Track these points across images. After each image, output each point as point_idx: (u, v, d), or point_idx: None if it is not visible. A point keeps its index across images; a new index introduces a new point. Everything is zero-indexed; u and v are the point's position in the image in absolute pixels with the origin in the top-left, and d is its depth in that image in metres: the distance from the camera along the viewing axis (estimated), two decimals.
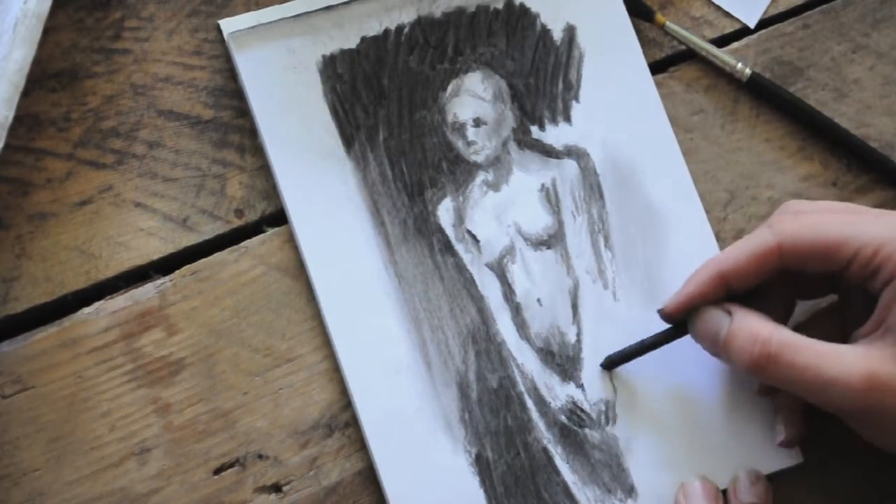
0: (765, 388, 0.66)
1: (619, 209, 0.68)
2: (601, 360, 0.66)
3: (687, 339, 0.65)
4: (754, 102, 0.71)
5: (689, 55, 0.72)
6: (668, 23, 0.71)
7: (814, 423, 0.67)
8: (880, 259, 0.59)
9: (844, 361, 0.59)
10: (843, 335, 0.63)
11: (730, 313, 0.62)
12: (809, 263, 0.61)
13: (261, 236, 0.66)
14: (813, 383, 0.59)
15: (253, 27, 0.67)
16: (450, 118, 0.68)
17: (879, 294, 0.60)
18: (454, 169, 0.67)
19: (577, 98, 0.69)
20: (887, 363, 0.58)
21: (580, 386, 0.66)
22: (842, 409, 0.60)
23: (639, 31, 0.71)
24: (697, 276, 0.63)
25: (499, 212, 0.67)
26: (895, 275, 0.59)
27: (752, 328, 0.60)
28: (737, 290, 0.63)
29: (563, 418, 0.65)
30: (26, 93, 0.62)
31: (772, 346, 0.60)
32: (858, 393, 0.58)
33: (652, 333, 0.66)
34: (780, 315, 0.64)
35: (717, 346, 0.62)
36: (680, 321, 0.64)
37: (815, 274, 0.63)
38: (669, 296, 0.64)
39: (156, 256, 0.65)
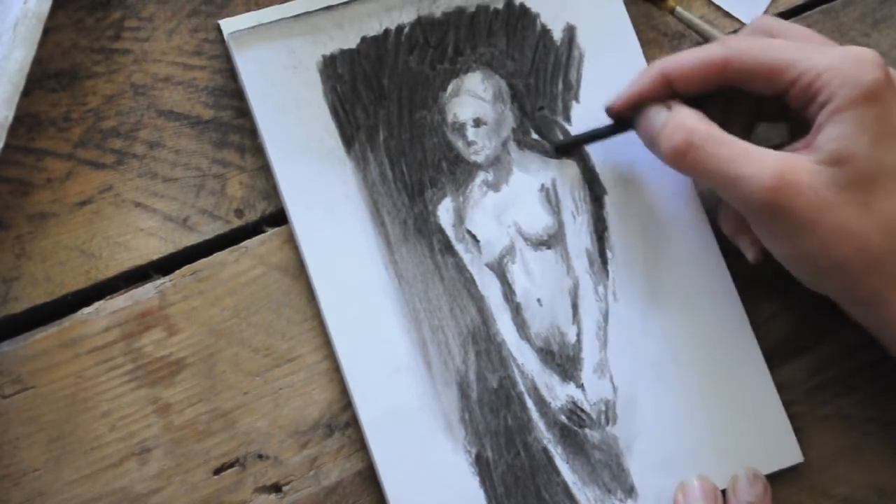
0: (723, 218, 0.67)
1: (619, 209, 0.68)
2: (601, 360, 0.66)
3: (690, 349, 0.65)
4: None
5: None
6: (678, 8, 0.71)
7: (813, 424, 0.67)
8: (819, 85, 0.61)
9: (761, 160, 0.60)
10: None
11: (669, 108, 0.64)
12: (753, 81, 0.63)
13: (261, 236, 0.66)
14: (727, 176, 0.61)
15: (253, 27, 0.67)
16: (450, 118, 0.68)
17: (814, 118, 0.62)
18: (454, 169, 0.67)
19: (577, 98, 0.69)
20: (802, 170, 0.60)
21: (580, 386, 0.66)
22: (749, 206, 0.61)
23: (639, 31, 0.71)
24: (642, 75, 0.65)
25: (499, 212, 0.67)
26: (831, 99, 0.60)
27: (683, 118, 0.62)
28: (681, 93, 0.64)
29: (563, 418, 0.65)
30: (26, 93, 0.62)
31: (696, 136, 0.62)
32: (767, 191, 0.60)
33: (655, 334, 0.66)
34: (738, 131, 0.65)
35: (653, 141, 0.64)
36: (625, 117, 0.66)
37: (762, 94, 0.64)
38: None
39: (156, 256, 0.65)
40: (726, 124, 0.64)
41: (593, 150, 0.68)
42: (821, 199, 0.60)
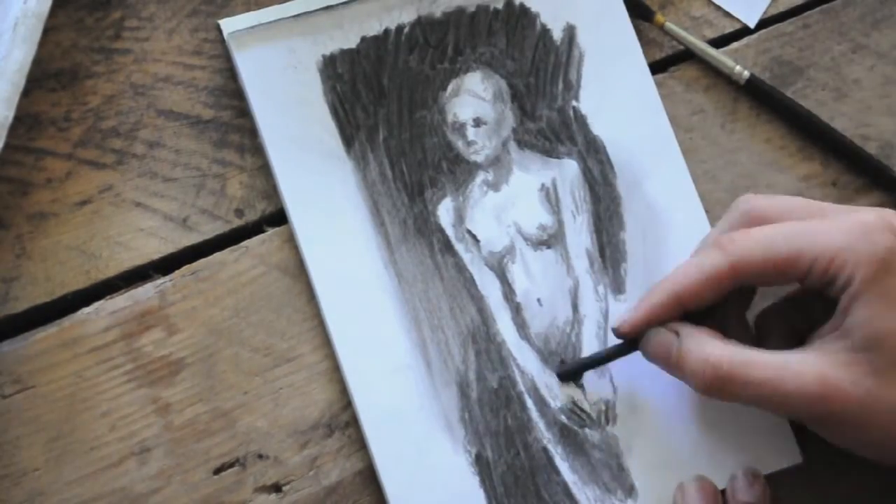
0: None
1: (619, 209, 0.68)
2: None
3: None
4: (754, 102, 0.71)
5: (689, 55, 0.72)
6: (667, 23, 0.71)
7: None
8: (835, 268, 0.59)
9: (799, 372, 0.59)
10: (808, 323, 0.64)
11: (678, 334, 0.62)
12: (765, 279, 0.61)
13: (261, 236, 0.66)
14: (771, 398, 0.59)
15: (253, 27, 0.67)
16: (450, 118, 0.68)
17: (838, 298, 0.60)
18: (454, 169, 0.67)
19: (577, 98, 0.69)
20: (839, 368, 0.59)
21: (580, 386, 0.66)
22: (799, 418, 0.61)
23: (639, 31, 0.71)
24: (652, 298, 0.63)
25: (499, 211, 0.67)
26: (851, 281, 0.59)
27: (701, 351, 0.60)
28: (692, 310, 0.62)
29: (563, 418, 0.65)
30: (26, 92, 0.62)
31: (723, 368, 0.60)
32: (815, 401, 0.59)
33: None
34: (739, 311, 0.64)
35: (670, 367, 0.62)
36: (633, 339, 0.64)
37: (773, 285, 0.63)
38: (622, 313, 0.64)
39: (156, 256, 0.65)
40: (732, 312, 0.63)
41: (609, 150, 0.69)
42: (867, 393, 0.58)
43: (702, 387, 0.61)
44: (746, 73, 0.71)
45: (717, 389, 0.60)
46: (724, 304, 0.63)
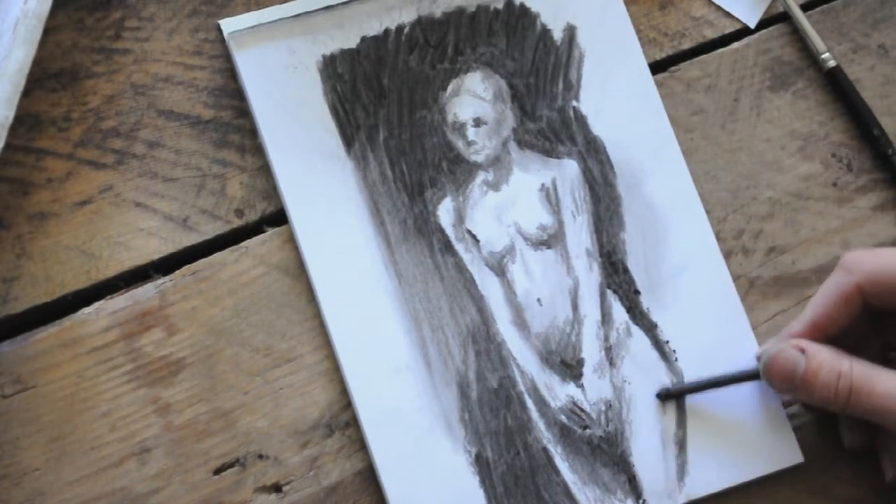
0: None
1: (619, 209, 0.68)
2: (601, 359, 0.66)
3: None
4: (754, 102, 0.71)
5: (689, 55, 0.72)
6: None
7: (813, 424, 0.67)
8: None
9: None
10: None
11: (803, 351, 0.62)
12: (889, 298, 0.62)
13: (261, 236, 0.66)
14: (892, 410, 0.60)
15: (253, 27, 0.67)
16: (450, 118, 0.68)
17: None
18: (454, 169, 0.67)
19: (577, 98, 0.69)
20: None
21: (580, 386, 0.66)
22: None
23: (639, 31, 0.71)
24: (792, 328, 0.64)
25: (499, 212, 0.67)
26: None
27: (832, 362, 0.62)
28: (832, 335, 0.63)
29: (563, 418, 0.65)
30: (27, 93, 0.62)
31: (853, 378, 0.61)
32: None
33: (655, 342, 0.66)
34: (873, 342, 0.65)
35: (794, 384, 0.62)
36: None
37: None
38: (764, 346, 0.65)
39: (156, 256, 0.65)
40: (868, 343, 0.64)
41: (609, 148, 0.69)
42: None
43: (831, 398, 0.61)
44: (832, 63, 0.71)
45: (844, 400, 0.61)
46: (858, 333, 0.64)
